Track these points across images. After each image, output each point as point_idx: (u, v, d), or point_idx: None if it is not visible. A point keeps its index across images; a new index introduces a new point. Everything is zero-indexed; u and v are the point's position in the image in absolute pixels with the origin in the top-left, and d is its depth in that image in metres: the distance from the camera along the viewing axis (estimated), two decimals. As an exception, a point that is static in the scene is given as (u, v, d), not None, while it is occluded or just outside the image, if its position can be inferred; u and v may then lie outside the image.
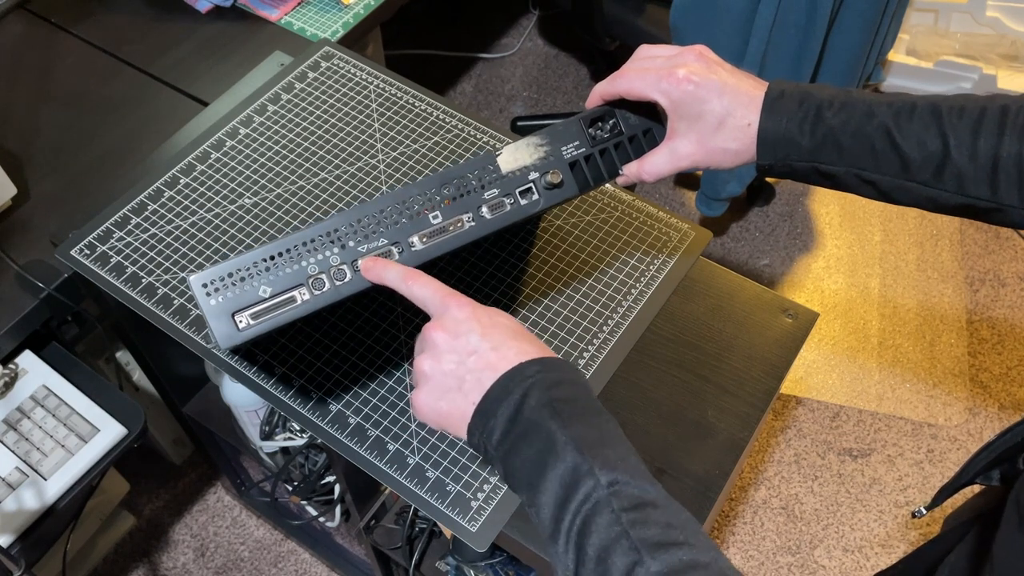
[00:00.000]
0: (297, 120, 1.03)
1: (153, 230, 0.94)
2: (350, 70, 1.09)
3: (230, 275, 0.61)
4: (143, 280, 0.90)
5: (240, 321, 0.61)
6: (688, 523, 0.48)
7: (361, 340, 0.87)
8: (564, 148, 0.68)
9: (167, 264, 0.91)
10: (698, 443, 0.82)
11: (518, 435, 0.52)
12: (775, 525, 1.60)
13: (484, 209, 0.66)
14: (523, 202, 0.67)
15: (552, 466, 0.50)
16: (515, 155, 0.67)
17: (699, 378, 0.86)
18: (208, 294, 0.61)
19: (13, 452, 0.93)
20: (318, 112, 1.04)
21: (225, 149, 1.01)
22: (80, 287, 0.97)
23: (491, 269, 0.91)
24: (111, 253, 0.92)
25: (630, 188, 0.98)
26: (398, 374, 0.85)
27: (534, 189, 0.67)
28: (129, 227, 0.94)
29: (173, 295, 0.89)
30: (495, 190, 0.66)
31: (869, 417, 1.70)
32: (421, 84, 1.08)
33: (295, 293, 0.62)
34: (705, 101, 0.62)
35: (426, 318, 0.60)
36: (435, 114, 1.04)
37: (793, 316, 0.90)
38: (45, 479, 0.92)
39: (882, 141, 0.59)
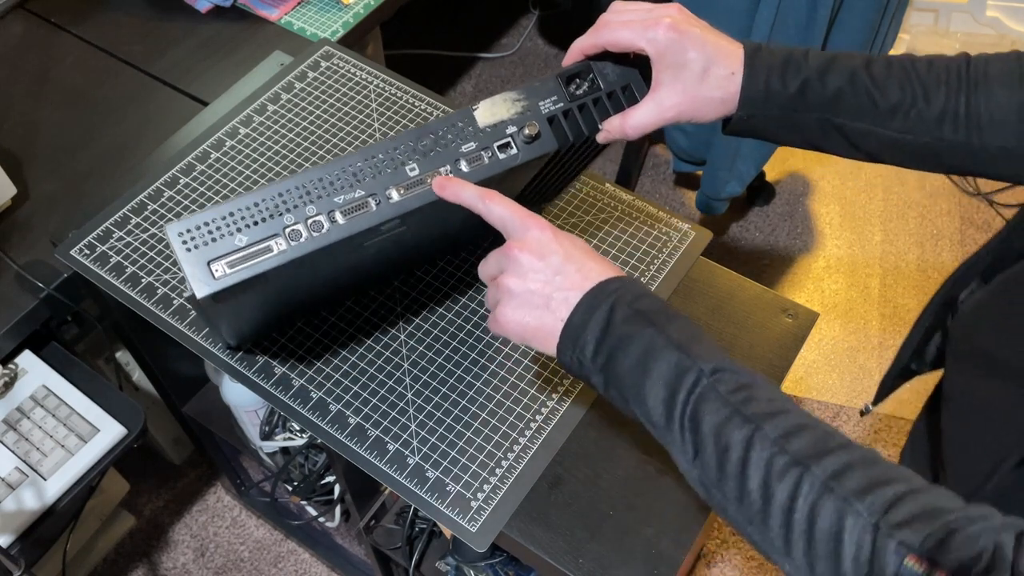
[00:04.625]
0: (297, 120, 1.03)
1: (153, 230, 0.94)
2: (350, 70, 1.09)
3: (206, 224, 0.61)
4: (143, 280, 0.90)
5: (216, 270, 0.61)
6: (784, 396, 0.52)
7: (361, 340, 0.87)
8: (542, 103, 0.68)
9: (167, 264, 0.91)
10: (698, 443, 0.82)
11: (613, 345, 0.55)
12: (775, 525, 1.59)
13: (462, 163, 0.66)
14: (501, 156, 0.67)
15: (655, 367, 0.53)
16: (492, 110, 0.67)
17: (699, 378, 0.86)
18: (184, 242, 0.60)
19: (13, 452, 0.93)
20: (318, 112, 1.04)
21: (225, 149, 1.01)
22: (80, 287, 0.97)
23: (491, 269, 0.91)
24: (111, 253, 0.92)
25: (629, 187, 0.98)
26: (398, 374, 0.85)
27: (512, 143, 0.67)
28: (129, 227, 0.94)
29: (173, 295, 0.89)
30: (472, 144, 0.66)
31: (869, 417, 1.70)
32: (421, 84, 1.08)
33: (271, 243, 0.62)
34: (689, 50, 0.64)
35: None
36: (435, 114, 1.04)
37: (793, 316, 0.90)
38: (45, 479, 0.92)
39: (854, 86, 0.63)
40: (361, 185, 0.63)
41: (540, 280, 0.58)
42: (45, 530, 0.93)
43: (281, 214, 0.62)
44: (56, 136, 1.11)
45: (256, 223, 0.61)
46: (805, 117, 0.65)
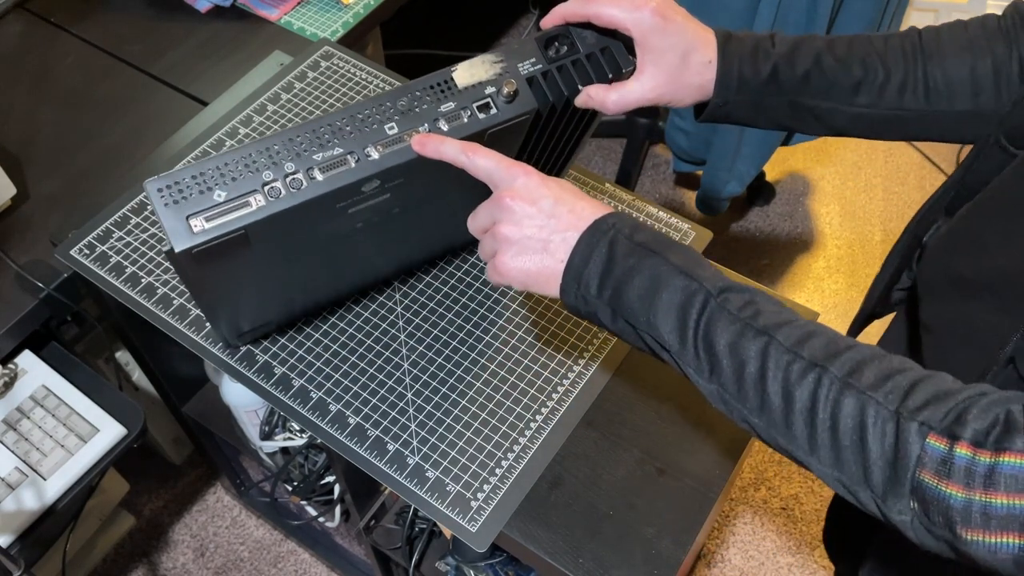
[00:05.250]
0: (297, 120, 1.03)
1: (152, 230, 0.94)
2: (350, 70, 1.09)
3: (185, 180, 0.61)
4: (142, 280, 0.90)
5: (195, 225, 0.61)
6: (787, 307, 0.54)
7: (361, 340, 0.87)
8: (521, 65, 0.69)
9: (166, 264, 0.91)
10: (698, 443, 0.82)
11: (619, 278, 0.56)
12: (775, 525, 1.60)
13: (441, 122, 0.66)
14: (481, 116, 0.67)
15: (663, 293, 0.55)
16: (470, 71, 0.67)
17: (699, 378, 0.86)
18: (163, 197, 0.61)
19: (13, 452, 0.93)
20: (318, 112, 1.04)
21: (224, 149, 1.01)
22: (80, 287, 0.97)
23: (491, 269, 0.91)
24: (111, 253, 0.92)
25: (629, 187, 0.98)
26: (398, 374, 0.85)
27: (492, 103, 0.67)
28: (129, 227, 0.94)
29: (172, 295, 0.89)
30: (452, 103, 0.66)
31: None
32: (421, 84, 1.07)
33: (250, 199, 0.62)
34: (670, 35, 0.66)
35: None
36: (435, 114, 1.04)
37: (793, 316, 0.90)
38: (45, 479, 0.92)
39: (820, 67, 0.67)
40: (340, 143, 0.64)
41: (535, 225, 0.59)
42: (45, 530, 0.93)
43: (260, 171, 0.62)
44: (56, 136, 1.11)
45: (235, 179, 0.62)
46: (776, 100, 0.68)
